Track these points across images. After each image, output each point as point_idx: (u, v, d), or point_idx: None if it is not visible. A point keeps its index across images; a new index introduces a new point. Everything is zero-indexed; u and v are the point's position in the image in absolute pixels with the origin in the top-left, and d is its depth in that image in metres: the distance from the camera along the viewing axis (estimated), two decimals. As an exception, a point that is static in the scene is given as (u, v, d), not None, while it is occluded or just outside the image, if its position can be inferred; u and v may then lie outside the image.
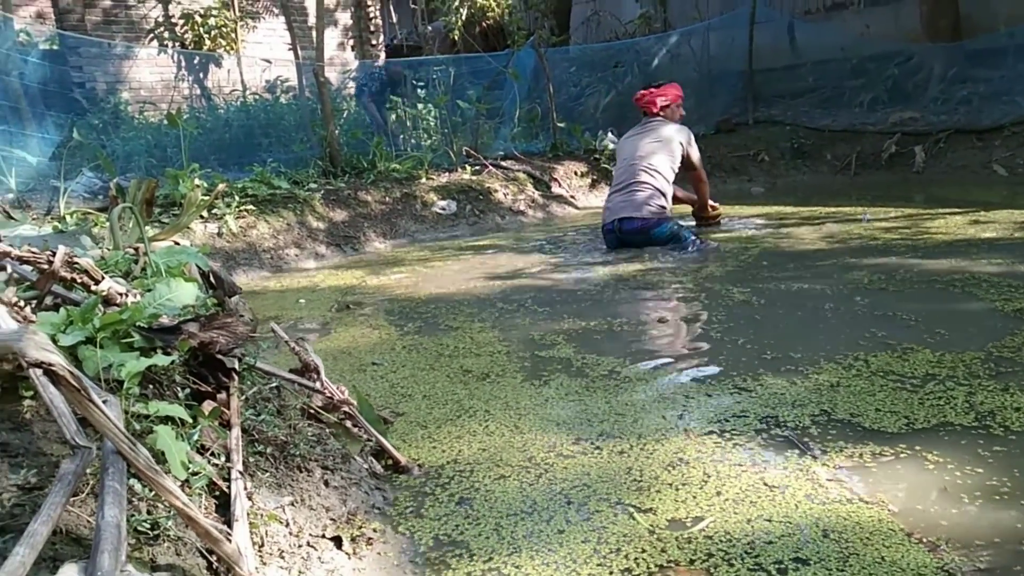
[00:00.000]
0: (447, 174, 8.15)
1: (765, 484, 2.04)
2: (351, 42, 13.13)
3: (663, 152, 5.67)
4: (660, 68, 11.20)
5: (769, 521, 1.86)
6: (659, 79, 11.32)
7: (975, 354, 2.85)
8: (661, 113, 5.92)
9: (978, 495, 1.92)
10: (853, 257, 4.69)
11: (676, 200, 5.93)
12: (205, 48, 11.46)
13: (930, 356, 2.87)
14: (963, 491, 1.94)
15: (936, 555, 1.68)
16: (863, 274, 4.21)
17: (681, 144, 5.73)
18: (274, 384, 2.36)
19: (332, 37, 12.50)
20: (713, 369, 2.96)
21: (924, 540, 1.74)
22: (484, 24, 15.15)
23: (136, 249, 3.01)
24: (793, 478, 2.07)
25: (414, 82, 9.35)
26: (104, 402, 1.47)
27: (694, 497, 2.00)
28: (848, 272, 4.28)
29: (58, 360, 1.22)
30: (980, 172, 8.05)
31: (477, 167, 8.33)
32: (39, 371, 1.28)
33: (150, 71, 11.13)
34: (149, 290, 2.32)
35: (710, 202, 6.20)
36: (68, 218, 5.38)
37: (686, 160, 5.78)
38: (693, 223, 6.18)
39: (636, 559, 1.75)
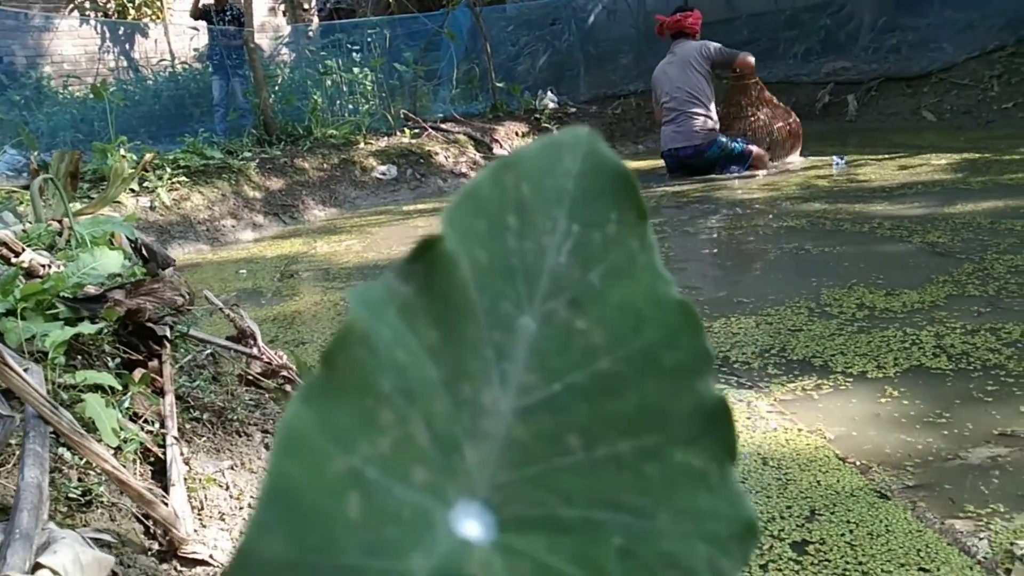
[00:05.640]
0: (386, 138, 8.02)
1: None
2: (282, 7, 12.79)
3: (698, 73, 6.00)
4: (597, 25, 11.14)
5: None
6: (597, 36, 11.33)
7: (917, 291, 2.94)
8: (688, 31, 6.17)
9: (913, 421, 1.98)
10: (792, 204, 4.77)
11: (736, 76, 6.25)
12: (129, 18, 11.05)
13: (875, 294, 2.95)
14: (898, 417, 2.00)
15: (868, 476, 1.74)
16: (802, 221, 4.28)
17: (709, 56, 6.04)
18: (209, 351, 2.32)
19: (263, 2, 12.14)
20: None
21: (858, 463, 1.80)
22: (418, -15, 14.86)
23: (60, 222, 2.91)
24: (736, 412, 2.11)
25: (348, 46, 9.14)
26: (25, 370, 1.42)
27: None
28: (787, 219, 4.35)
29: (-32, 325, 1.17)
30: (910, 118, 8.23)
31: (416, 130, 8.21)
32: (-52, 338, 1.23)
33: (72, 43, 10.67)
34: (73, 260, 2.24)
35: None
36: (-10, 197, 5.17)
37: (722, 62, 6.11)
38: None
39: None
